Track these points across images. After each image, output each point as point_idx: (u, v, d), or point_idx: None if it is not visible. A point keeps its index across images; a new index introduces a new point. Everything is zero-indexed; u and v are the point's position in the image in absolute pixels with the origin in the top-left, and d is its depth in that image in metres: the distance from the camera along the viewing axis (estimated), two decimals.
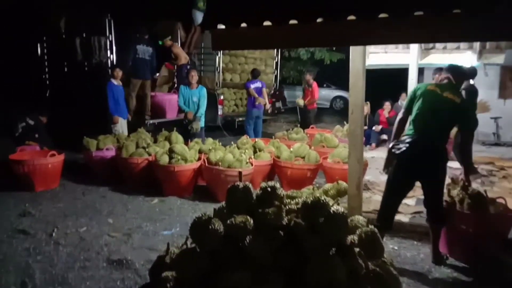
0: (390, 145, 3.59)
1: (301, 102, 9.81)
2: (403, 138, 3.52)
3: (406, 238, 4.02)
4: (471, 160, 3.64)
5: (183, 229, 4.33)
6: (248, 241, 2.46)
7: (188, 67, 8.64)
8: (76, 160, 6.95)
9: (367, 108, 9.14)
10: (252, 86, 8.51)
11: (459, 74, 3.63)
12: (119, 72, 7.21)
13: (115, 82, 7.19)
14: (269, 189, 2.71)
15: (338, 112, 16.40)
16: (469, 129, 3.65)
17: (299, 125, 10.43)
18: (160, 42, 8.83)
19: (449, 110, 3.40)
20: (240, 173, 3.06)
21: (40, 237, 4.08)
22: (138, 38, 8.11)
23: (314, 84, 9.78)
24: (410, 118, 3.58)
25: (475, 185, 4.06)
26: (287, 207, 2.76)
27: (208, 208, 5.01)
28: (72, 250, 3.76)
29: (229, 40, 3.45)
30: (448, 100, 3.40)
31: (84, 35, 8.34)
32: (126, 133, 7.13)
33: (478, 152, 8.02)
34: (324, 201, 2.58)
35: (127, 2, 10.46)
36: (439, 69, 4.88)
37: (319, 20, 2.93)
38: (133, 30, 8.20)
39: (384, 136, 9.19)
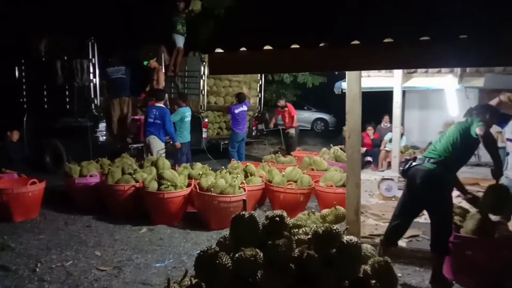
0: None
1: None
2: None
3: (408, 264, 3.94)
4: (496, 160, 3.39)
5: (176, 260, 4.13)
6: (259, 276, 2.32)
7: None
8: (56, 187, 6.62)
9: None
10: (237, 111, 8.46)
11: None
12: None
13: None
14: (277, 218, 2.59)
15: (320, 134, 16.54)
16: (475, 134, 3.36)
17: (283, 148, 10.48)
18: (145, 63, 8.75)
19: (456, 130, 3.44)
20: (244, 201, 2.92)
21: (22, 273, 3.78)
22: (110, 62, 8.19)
23: (289, 105, 10.25)
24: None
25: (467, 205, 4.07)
26: (296, 237, 2.64)
27: (200, 237, 4.83)
28: (59, 287, 3.49)
29: (227, 64, 3.38)
30: (458, 123, 3.50)
31: (65, 58, 8.13)
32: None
33: (461, 173, 8.14)
34: (336, 230, 2.48)
35: (110, 26, 10.40)
36: None
37: (321, 44, 2.90)
38: (105, 54, 8.21)
39: (369, 158, 9.25)
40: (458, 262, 3.50)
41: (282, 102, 10.28)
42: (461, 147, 3.41)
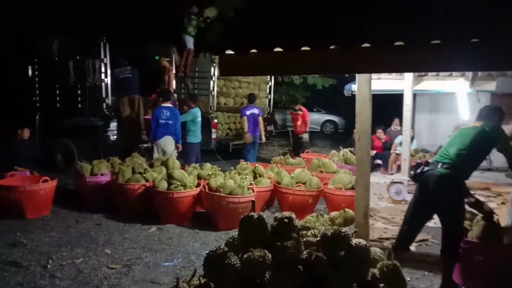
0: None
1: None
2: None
3: (417, 268, 3.92)
4: None
5: (185, 260, 4.16)
6: (267, 277, 2.33)
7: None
8: (67, 186, 6.70)
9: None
10: (248, 112, 8.43)
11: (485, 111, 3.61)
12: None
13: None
14: (286, 220, 2.60)
15: (329, 136, 16.49)
16: (507, 152, 3.43)
17: (292, 149, 10.48)
18: (156, 57, 8.81)
19: (469, 134, 3.40)
20: (253, 202, 2.93)
21: (34, 269, 3.84)
22: (115, 63, 8.24)
23: (304, 109, 10.12)
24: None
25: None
26: (305, 239, 2.65)
27: (208, 237, 4.86)
28: (69, 284, 3.54)
29: (237, 65, 3.40)
30: (469, 128, 3.47)
31: (77, 57, 8.24)
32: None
33: (472, 177, 8.06)
34: (345, 233, 2.49)
35: (121, 26, 10.51)
36: None
37: (332, 47, 2.91)
38: (115, 54, 8.28)
39: (378, 161, 9.20)
40: (467, 267, 3.47)
41: (298, 106, 10.18)
42: (475, 152, 3.39)
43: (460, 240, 3.38)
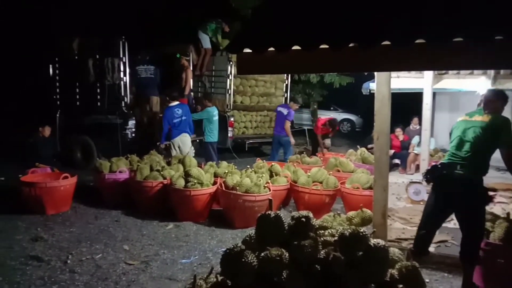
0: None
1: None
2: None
3: (436, 269, 3.86)
4: None
5: (202, 257, 4.19)
6: (284, 276, 2.33)
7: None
8: (86, 182, 6.82)
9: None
10: (278, 108, 8.52)
11: (488, 97, 3.52)
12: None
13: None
14: (303, 219, 2.58)
15: (346, 135, 16.37)
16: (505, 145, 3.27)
17: (309, 148, 10.42)
18: (177, 55, 8.91)
19: (478, 132, 3.29)
20: (270, 201, 2.93)
21: (54, 264, 3.93)
22: (139, 60, 8.32)
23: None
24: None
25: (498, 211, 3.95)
26: (322, 239, 2.63)
27: (225, 235, 4.88)
28: (89, 279, 3.61)
29: (255, 64, 3.39)
30: (476, 122, 3.33)
31: (97, 56, 8.36)
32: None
33: (494, 178, 7.89)
34: (363, 233, 2.46)
35: (140, 25, 10.63)
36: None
37: (351, 45, 2.87)
38: (134, 53, 8.35)
39: (397, 161, 9.07)
40: (489, 270, 3.40)
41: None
42: (488, 147, 3.30)
43: (480, 242, 3.31)
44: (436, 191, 3.45)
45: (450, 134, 3.54)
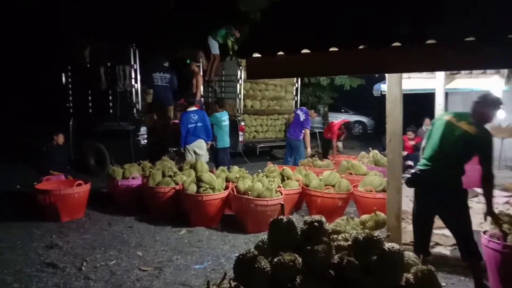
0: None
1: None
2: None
3: (452, 273, 3.80)
4: (490, 201, 3.31)
5: (215, 262, 4.19)
6: (298, 281, 2.31)
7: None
8: (99, 189, 6.89)
9: None
10: (297, 111, 8.54)
11: (478, 106, 3.38)
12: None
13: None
14: (316, 224, 2.56)
15: (357, 137, 16.25)
16: (486, 162, 3.22)
17: (320, 151, 10.36)
18: (188, 61, 8.95)
19: (461, 140, 3.25)
20: (282, 205, 2.91)
21: (69, 271, 3.96)
22: (156, 66, 8.32)
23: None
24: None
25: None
26: (335, 243, 2.61)
27: (237, 240, 4.87)
28: (103, 286, 3.64)
29: (264, 68, 3.38)
30: (461, 130, 3.27)
31: (108, 64, 8.46)
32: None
33: (506, 178, 7.77)
34: (378, 237, 2.43)
35: (151, 31, 10.72)
36: None
37: (361, 47, 2.85)
38: (151, 59, 8.37)
39: (410, 162, 8.97)
40: (506, 273, 3.33)
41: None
42: (466, 156, 3.31)
43: (472, 240, 3.30)
44: (419, 199, 3.46)
45: (431, 129, 3.48)
